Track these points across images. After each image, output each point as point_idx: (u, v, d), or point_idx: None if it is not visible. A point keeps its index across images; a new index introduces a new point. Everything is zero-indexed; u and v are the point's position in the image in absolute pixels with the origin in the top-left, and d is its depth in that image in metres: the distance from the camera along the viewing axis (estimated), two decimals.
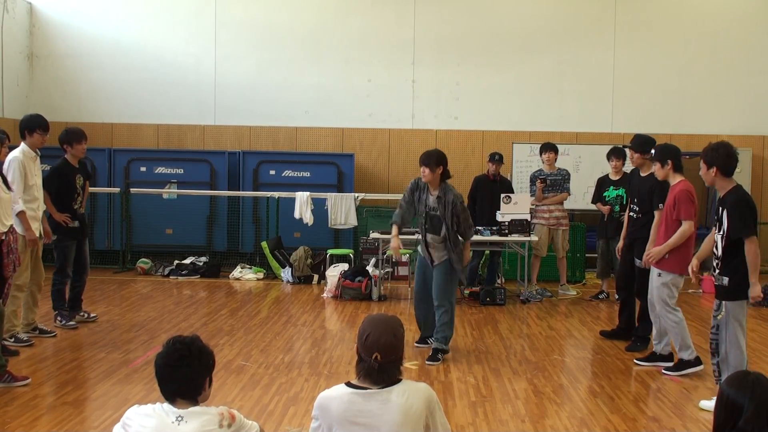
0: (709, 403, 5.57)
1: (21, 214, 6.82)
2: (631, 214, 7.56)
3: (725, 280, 5.44)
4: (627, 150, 7.98)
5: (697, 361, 6.51)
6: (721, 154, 5.47)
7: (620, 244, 7.81)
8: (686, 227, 6.25)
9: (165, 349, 3.12)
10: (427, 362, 6.75)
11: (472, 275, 10.32)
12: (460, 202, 6.90)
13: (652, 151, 6.79)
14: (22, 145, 7.11)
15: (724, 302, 5.47)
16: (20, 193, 6.89)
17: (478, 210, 10.20)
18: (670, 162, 6.49)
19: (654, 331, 6.82)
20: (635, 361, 6.94)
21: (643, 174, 7.51)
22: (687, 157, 8.67)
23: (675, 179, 6.49)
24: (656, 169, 6.61)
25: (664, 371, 6.59)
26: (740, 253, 5.38)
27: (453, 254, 6.89)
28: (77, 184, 7.81)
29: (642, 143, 7.48)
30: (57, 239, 7.69)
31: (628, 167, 8.59)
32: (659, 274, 6.47)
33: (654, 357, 6.82)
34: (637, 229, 7.34)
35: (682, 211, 6.28)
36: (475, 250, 10.29)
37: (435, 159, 6.84)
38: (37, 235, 7.09)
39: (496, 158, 10.14)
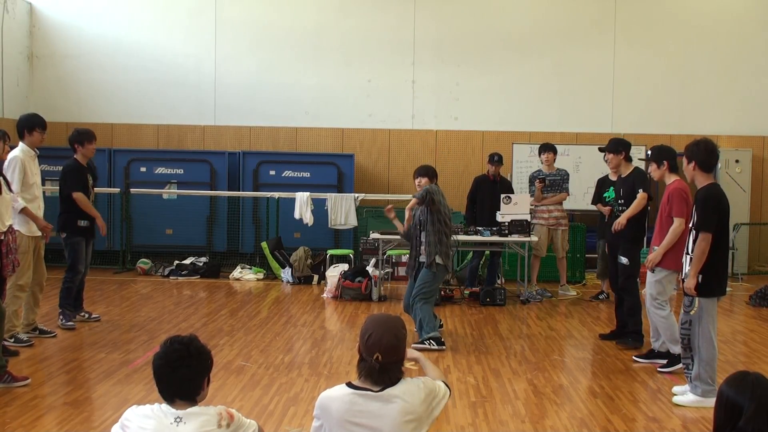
0: (681, 389, 5.87)
1: (24, 210, 6.83)
2: (616, 212, 7.72)
3: (699, 276, 5.53)
4: (603, 153, 8.24)
5: None
6: (701, 149, 5.66)
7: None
8: (677, 225, 6.33)
9: (163, 350, 3.11)
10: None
11: (473, 275, 10.33)
12: (426, 189, 7.31)
13: (649, 153, 6.94)
14: (22, 144, 7.12)
15: (697, 298, 5.57)
16: (19, 191, 6.89)
17: (478, 210, 10.21)
18: (666, 163, 6.62)
19: (651, 329, 6.87)
20: (633, 357, 7.00)
21: (623, 175, 7.79)
22: None
23: (670, 179, 6.62)
24: (652, 169, 6.74)
25: (659, 369, 6.63)
26: (712, 250, 5.49)
27: (436, 254, 7.33)
28: (89, 183, 7.88)
29: (615, 144, 7.86)
30: (67, 237, 7.72)
31: None
32: (653, 271, 6.54)
33: (652, 354, 6.89)
34: (623, 228, 7.47)
35: (674, 209, 6.39)
36: (475, 250, 10.34)
37: (432, 171, 7.66)
38: (38, 235, 7.10)
39: (495, 159, 10.14)
